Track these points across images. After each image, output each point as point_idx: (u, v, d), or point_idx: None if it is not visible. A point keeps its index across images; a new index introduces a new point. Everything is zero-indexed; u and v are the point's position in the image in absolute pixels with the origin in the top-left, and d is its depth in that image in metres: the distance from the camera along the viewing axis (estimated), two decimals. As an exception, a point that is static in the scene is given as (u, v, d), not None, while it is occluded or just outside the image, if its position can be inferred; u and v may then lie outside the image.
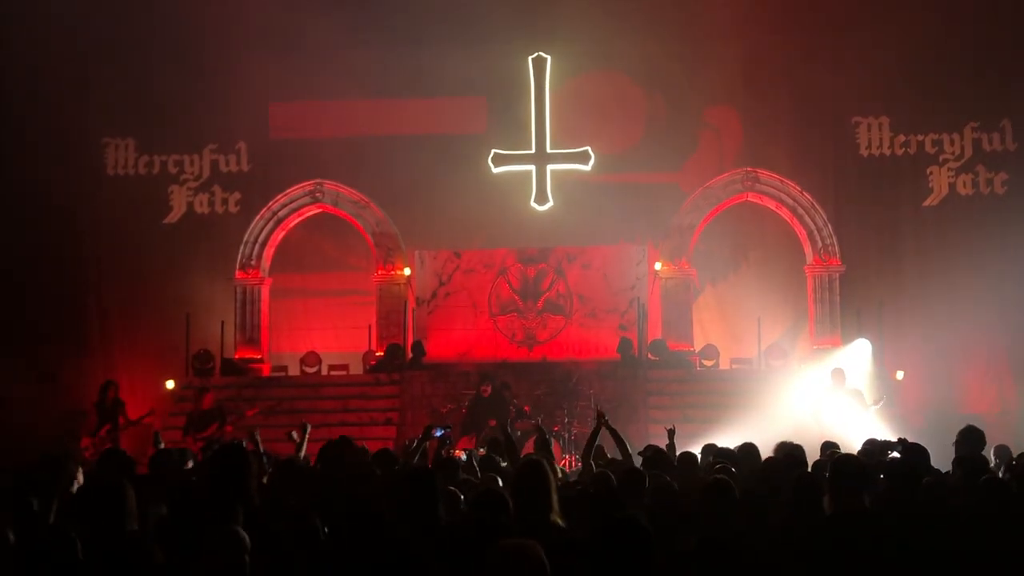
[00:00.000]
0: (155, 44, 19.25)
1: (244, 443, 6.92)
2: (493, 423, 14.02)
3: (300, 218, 19.96)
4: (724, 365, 18.38)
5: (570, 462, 13.87)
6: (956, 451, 7.69)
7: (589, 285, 18.70)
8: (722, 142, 19.91)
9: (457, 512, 5.89)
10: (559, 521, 5.34)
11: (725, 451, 8.66)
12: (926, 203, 19.44)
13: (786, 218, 19.32)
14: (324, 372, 18.64)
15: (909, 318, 18.43)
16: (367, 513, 5.21)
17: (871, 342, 17.48)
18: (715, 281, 19.86)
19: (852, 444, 10.15)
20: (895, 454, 7.97)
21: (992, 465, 8.97)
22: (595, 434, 8.72)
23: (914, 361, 18.07)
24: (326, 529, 5.29)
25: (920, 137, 19.49)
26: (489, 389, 15.40)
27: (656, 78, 19.45)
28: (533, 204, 19.57)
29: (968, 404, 17.91)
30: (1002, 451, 9.70)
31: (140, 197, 19.94)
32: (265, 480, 7.30)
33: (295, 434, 9.40)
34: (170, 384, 17.59)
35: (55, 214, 19.00)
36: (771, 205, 19.38)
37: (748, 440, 8.86)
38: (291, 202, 19.84)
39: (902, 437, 8.65)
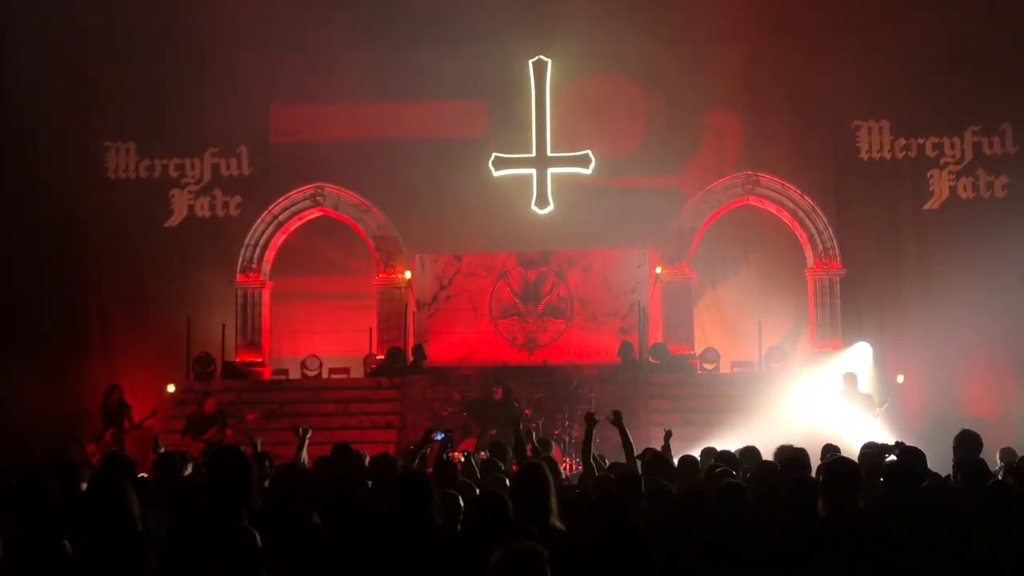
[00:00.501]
0: (156, 48, 19.27)
1: (242, 446, 6.91)
2: (493, 431, 14.00)
3: (301, 221, 19.97)
4: (725, 368, 18.38)
5: (570, 465, 13.87)
6: (954, 455, 7.70)
7: (590, 288, 18.71)
8: (723, 145, 19.92)
9: (456, 515, 5.90)
10: (558, 524, 5.36)
11: (725, 454, 8.67)
12: (927, 206, 19.44)
13: (787, 221, 19.33)
14: (325, 376, 18.65)
15: (910, 321, 18.43)
16: (368, 515, 5.22)
17: (872, 345, 17.49)
18: (716, 284, 19.86)
19: (856, 448, 10.14)
20: (892, 457, 7.99)
21: (996, 467, 8.99)
22: (588, 437, 8.72)
23: (915, 364, 18.07)
24: (327, 532, 5.30)
25: (920, 140, 19.50)
26: (500, 392, 15.37)
27: (656, 81, 19.45)
28: (534, 207, 19.58)
29: (969, 407, 17.92)
30: (1007, 454, 9.72)
31: (141, 201, 19.94)
32: (266, 484, 7.30)
33: (301, 431, 9.39)
34: (171, 388, 17.59)
35: (56, 217, 19.01)
36: (772, 208, 19.39)
37: (748, 443, 8.87)
38: (292, 205, 19.85)
39: (899, 440, 8.66)
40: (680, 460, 8.28)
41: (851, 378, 15.50)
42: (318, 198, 19.76)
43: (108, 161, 20.23)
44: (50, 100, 18.94)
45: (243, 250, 19.60)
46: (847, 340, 18.22)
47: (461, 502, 6.00)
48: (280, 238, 19.88)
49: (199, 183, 20.28)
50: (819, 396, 15.51)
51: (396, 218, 19.54)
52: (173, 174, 20.27)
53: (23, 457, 9.15)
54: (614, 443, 9.23)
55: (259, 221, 19.75)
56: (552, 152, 19.61)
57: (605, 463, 9.37)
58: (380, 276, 19.53)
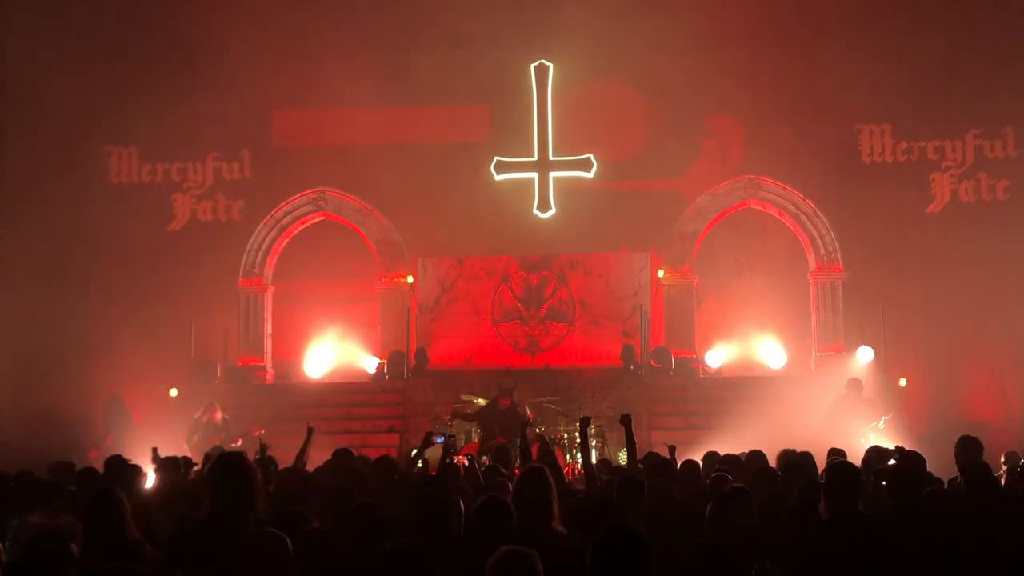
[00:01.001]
0: (158, 52, 19.30)
1: (244, 451, 6.93)
2: (502, 440, 13.98)
3: (303, 226, 20.00)
4: (727, 372, 18.38)
5: (572, 469, 13.86)
6: (956, 460, 7.71)
7: (592, 292, 18.72)
8: (725, 149, 19.91)
9: (458, 519, 5.91)
10: (560, 528, 5.36)
11: (729, 458, 8.66)
12: (928, 209, 19.43)
13: (789, 225, 19.34)
14: (327, 380, 18.65)
15: (912, 324, 18.42)
16: (376, 519, 5.23)
17: (874, 349, 17.48)
18: (718, 288, 19.85)
19: (859, 453, 10.14)
20: (892, 461, 8.00)
21: (1002, 471, 9.00)
22: (584, 439, 8.72)
23: (917, 368, 18.07)
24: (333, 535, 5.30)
25: (922, 144, 19.50)
26: (508, 402, 15.32)
27: (658, 85, 19.43)
28: (536, 211, 19.59)
29: (972, 411, 17.91)
30: (1011, 457, 9.71)
31: (144, 205, 19.97)
32: (271, 489, 7.32)
33: (308, 429, 9.36)
34: (174, 392, 17.59)
35: (59, 222, 19.02)
36: (774, 212, 19.40)
37: (750, 447, 8.87)
38: (294, 210, 19.88)
39: (899, 445, 8.67)
40: (682, 465, 8.28)
41: (855, 383, 15.46)
42: (320, 202, 19.78)
43: (111, 165, 20.27)
44: (52, 104, 18.96)
45: (245, 254, 19.63)
46: (849, 343, 18.21)
47: (462, 506, 6.02)
48: (282, 242, 19.91)
49: (202, 187, 20.30)
50: (823, 400, 15.48)
51: (398, 222, 19.56)
52: (176, 178, 20.30)
53: (25, 464, 9.12)
54: (621, 447, 9.23)
55: (261, 225, 19.78)
56: (554, 156, 19.62)
57: (614, 464, 9.38)
58: (382, 280, 19.55)
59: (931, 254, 19.00)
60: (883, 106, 19.41)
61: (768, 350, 18.75)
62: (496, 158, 19.58)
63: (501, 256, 19.15)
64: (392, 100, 19.58)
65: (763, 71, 19.35)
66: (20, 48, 18.96)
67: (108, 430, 16.58)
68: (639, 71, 19.32)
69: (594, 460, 11.60)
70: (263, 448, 9.28)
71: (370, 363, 18.92)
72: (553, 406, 16.15)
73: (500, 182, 19.65)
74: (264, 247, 19.74)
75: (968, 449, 7.86)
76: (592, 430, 12.96)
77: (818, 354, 18.73)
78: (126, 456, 8.73)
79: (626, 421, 8.47)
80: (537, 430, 14.62)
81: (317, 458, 9.28)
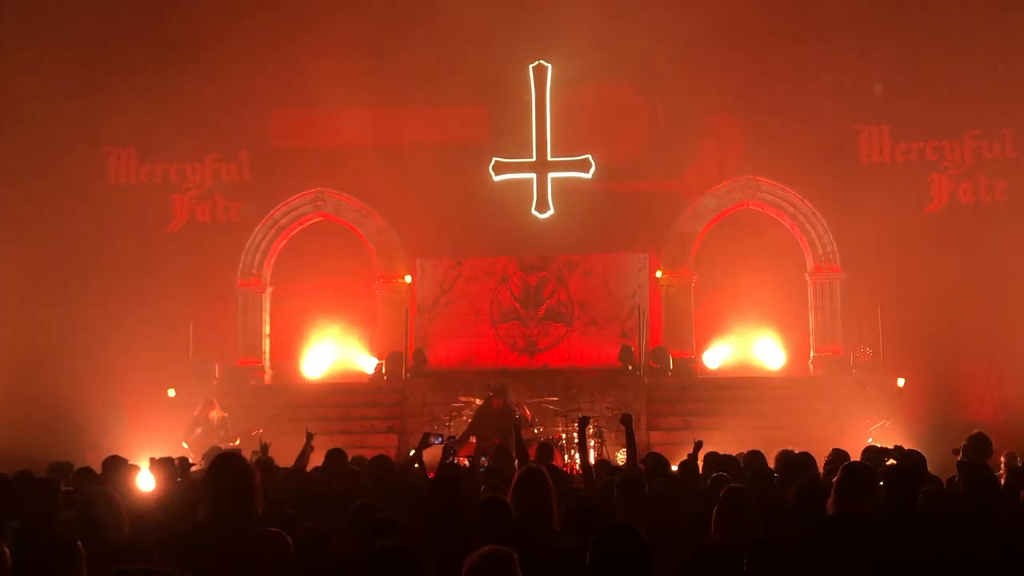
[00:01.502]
0: (157, 54, 19.30)
1: (241, 451, 6.93)
2: (497, 441, 13.98)
3: (302, 226, 20.00)
4: (725, 372, 18.38)
5: (571, 468, 13.86)
6: (963, 455, 7.71)
7: (590, 293, 18.73)
8: (723, 150, 19.90)
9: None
10: (559, 527, 5.36)
11: (727, 459, 8.66)
12: (927, 210, 19.44)
13: (787, 225, 19.35)
14: (325, 380, 18.64)
15: (910, 325, 18.41)
16: (379, 520, 5.23)
17: (872, 349, 17.48)
18: (716, 288, 19.85)
19: (857, 453, 10.14)
20: (891, 461, 8.00)
21: (1001, 471, 8.99)
22: (583, 439, 8.73)
23: (915, 368, 18.06)
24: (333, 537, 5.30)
25: (921, 144, 19.50)
26: (500, 403, 15.32)
27: (657, 85, 19.44)
28: (534, 212, 19.59)
29: (970, 411, 17.90)
30: (1010, 457, 9.71)
31: (142, 206, 19.96)
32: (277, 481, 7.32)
33: (308, 434, 9.35)
34: (172, 392, 17.58)
35: (57, 222, 19.02)
36: (772, 212, 19.41)
37: (748, 447, 8.87)
38: (293, 210, 19.89)
39: (898, 445, 8.67)
40: (681, 464, 8.29)
41: (855, 384, 15.47)
42: (319, 203, 19.79)
43: (109, 166, 20.26)
44: (51, 105, 18.93)
45: (244, 255, 19.63)
46: (848, 344, 18.22)
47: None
48: (281, 243, 19.91)
49: (200, 188, 20.30)
50: (822, 400, 15.50)
51: (397, 223, 19.56)
52: (174, 179, 20.30)
53: (24, 464, 9.10)
54: (620, 447, 9.24)
55: (260, 226, 19.79)
56: (552, 157, 19.62)
57: (613, 464, 9.39)
58: (381, 280, 19.55)
59: (929, 255, 18.99)
60: (882, 107, 19.40)
61: (766, 350, 18.77)
62: (495, 159, 19.58)
63: (500, 257, 19.15)
64: (391, 101, 19.59)
65: (762, 71, 19.36)
66: (19, 48, 18.95)
67: (106, 431, 16.55)
68: (638, 72, 19.32)
69: (592, 460, 11.62)
70: (264, 447, 9.27)
71: (368, 364, 18.94)
72: (552, 406, 16.14)
73: (499, 183, 19.65)
74: (263, 248, 19.74)
75: (976, 448, 7.84)
76: (591, 430, 13.00)
77: (816, 354, 18.74)
78: (124, 456, 8.71)
79: (627, 421, 8.47)
80: (536, 430, 14.63)
81: (316, 459, 9.26)
